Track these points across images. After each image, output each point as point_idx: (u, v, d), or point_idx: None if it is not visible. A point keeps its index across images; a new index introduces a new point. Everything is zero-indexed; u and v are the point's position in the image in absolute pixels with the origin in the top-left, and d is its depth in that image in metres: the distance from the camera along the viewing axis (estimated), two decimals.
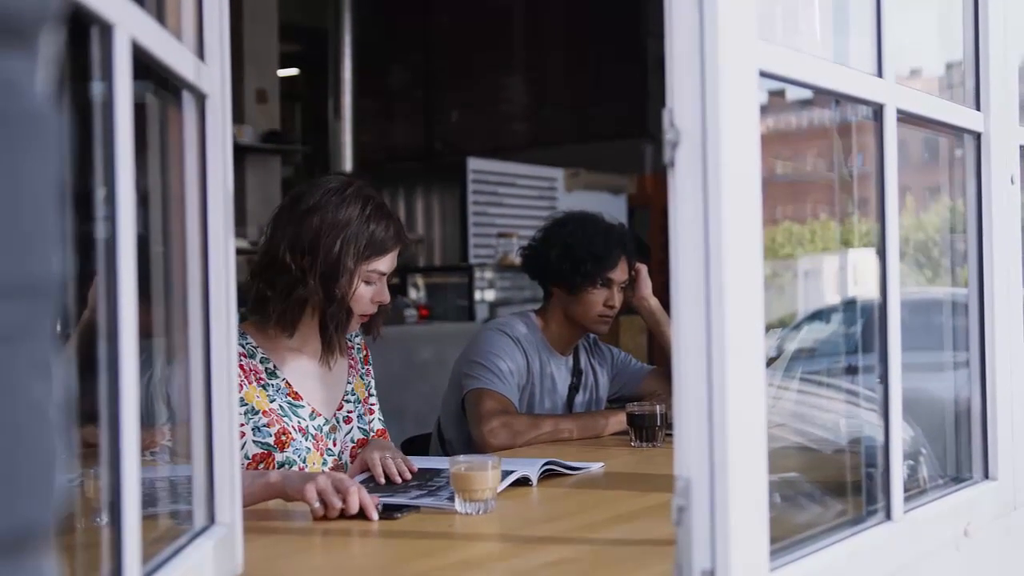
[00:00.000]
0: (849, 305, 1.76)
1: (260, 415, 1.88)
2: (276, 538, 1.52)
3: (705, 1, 0.95)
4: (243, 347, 1.91)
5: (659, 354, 2.84)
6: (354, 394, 2.06)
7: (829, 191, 1.78)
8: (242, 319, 1.98)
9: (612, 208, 6.02)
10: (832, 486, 1.44)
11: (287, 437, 1.89)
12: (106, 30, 0.80)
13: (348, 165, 7.23)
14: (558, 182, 7.10)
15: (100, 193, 0.81)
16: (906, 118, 1.33)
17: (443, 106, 8.89)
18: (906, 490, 1.30)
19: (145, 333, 0.87)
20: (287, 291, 1.88)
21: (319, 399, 1.98)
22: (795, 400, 1.68)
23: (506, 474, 1.73)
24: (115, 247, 0.81)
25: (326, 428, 1.97)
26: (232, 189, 1.17)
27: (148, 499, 0.91)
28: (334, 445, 1.98)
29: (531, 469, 1.81)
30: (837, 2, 1.62)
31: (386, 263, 1.94)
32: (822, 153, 1.75)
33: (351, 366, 2.08)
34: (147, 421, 0.95)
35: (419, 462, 1.91)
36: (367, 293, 1.93)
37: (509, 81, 8.55)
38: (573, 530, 1.52)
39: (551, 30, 8.46)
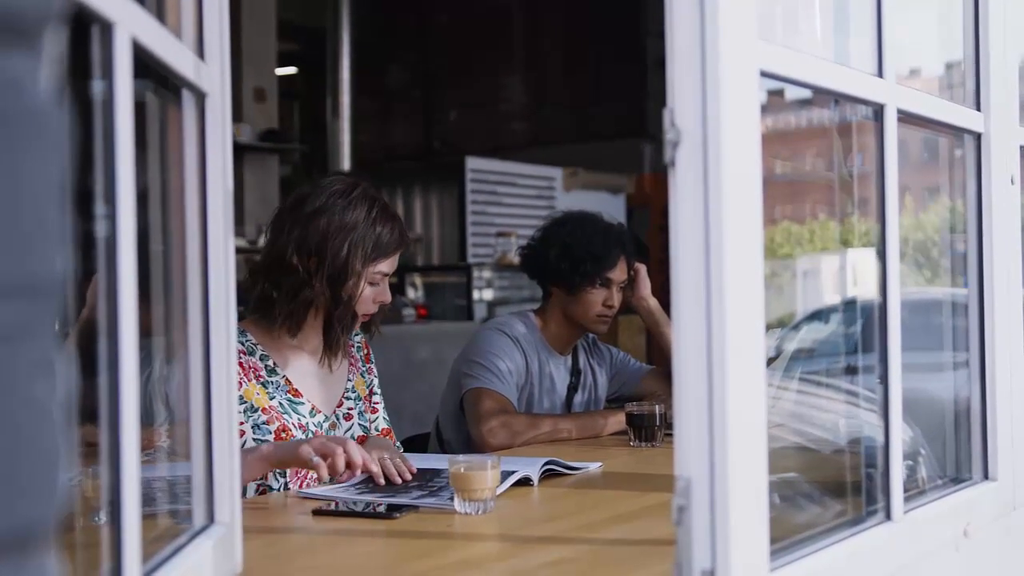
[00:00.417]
0: (848, 305, 1.76)
1: (259, 412, 1.89)
2: (275, 537, 1.52)
3: (706, 1, 0.95)
4: (242, 344, 1.91)
5: (658, 354, 2.84)
6: (354, 391, 2.07)
7: (828, 191, 1.78)
8: (240, 317, 1.98)
9: (611, 208, 6.01)
10: (832, 486, 1.44)
11: (287, 434, 1.89)
12: (107, 29, 0.80)
13: (346, 164, 7.22)
14: (557, 181, 7.10)
15: (100, 192, 0.81)
16: (906, 118, 1.33)
17: (442, 105, 8.89)
18: (906, 490, 1.30)
19: (144, 332, 0.87)
20: (293, 292, 1.89)
21: (319, 396, 1.99)
22: (794, 400, 1.68)
23: (506, 474, 1.73)
24: (115, 245, 0.81)
25: (326, 425, 1.98)
26: (232, 188, 1.17)
27: (147, 498, 0.91)
28: None
29: (531, 469, 1.81)
30: (837, 2, 1.62)
31: (390, 264, 1.96)
32: (821, 153, 1.75)
33: (351, 364, 2.08)
34: (146, 420, 0.95)
35: (418, 461, 1.91)
36: (370, 294, 1.94)
37: (508, 80, 8.55)
38: (572, 530, 1.52)
39: (550, 29, 8.45)
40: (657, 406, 2.26)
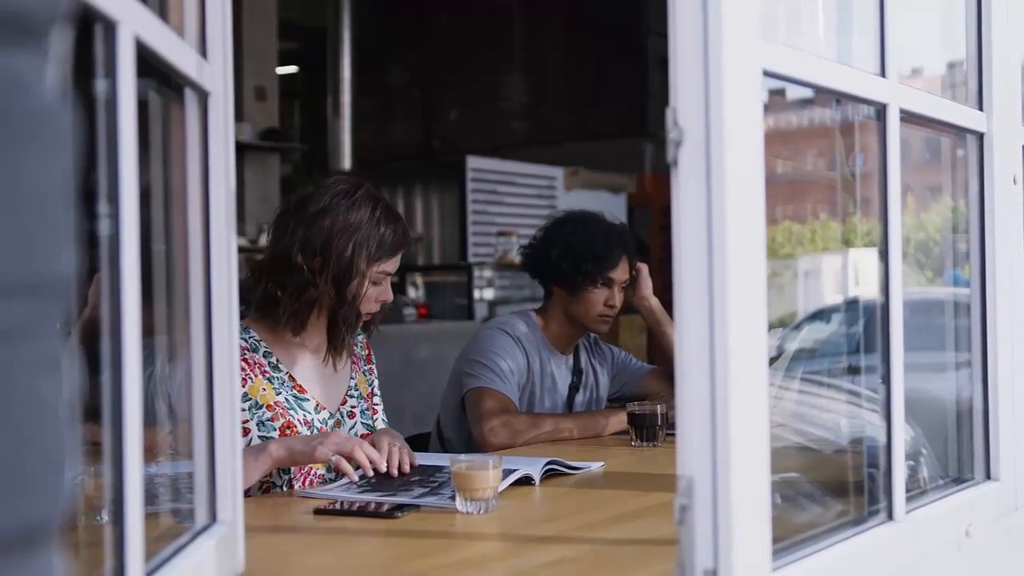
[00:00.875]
0: (850, 305, 1.76)
1: (264, 409, 1.89)
2: (278, 537, 1.52)
3: (709, 1, 0.95)
4: (245, 341, 1.92)
5: (659, 354, 2.84)
6: (357, 390, 2.08)
7: (830, 191, 1.78)
8: (241, 316, 1.98)
9: (612, 207, 6.01)
10: (833, 486, 1.44)
11: (292, 431, 1.90)
12: (110, 28, 0.80)
13: (347, 163, 7.22)
14: (557, 181, 7.09)
15: (103, 191, 0.81)
16: (909, 118, 1.33)
17: (442, 104, 8.88)
18: (907, 490, 1.30)
19: (147, 330, 0.87)
20: (298, 292, 1.90)
21: (323, 394, 2.00)
22: (796, 400, 1.68)
23: (507, 473, 1.73)
24: (118, 244, 0.81)
25: (330, 422, 1.99)
26: (234, 186, 1.17)
27: (149, 497, 0.91)
28: None
29: (533, 468, 1.81)
30: (840, 2, 1.62)
31: (393, 264, 1.97)
32: (823, 153, 1.75)
33: (353, 362, 2.09)
34: (148, 419, 0.95)
35: (420, 459, 1.92)
36: (373, 293, 1.95)
37: (508, 79, 8.55)
38: (574, 529, 1.52)
39: (550, 28, 8.45)
40: (659, 406, 2.26)
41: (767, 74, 1.03)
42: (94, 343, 0.83)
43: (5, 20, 0.43)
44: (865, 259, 1.47)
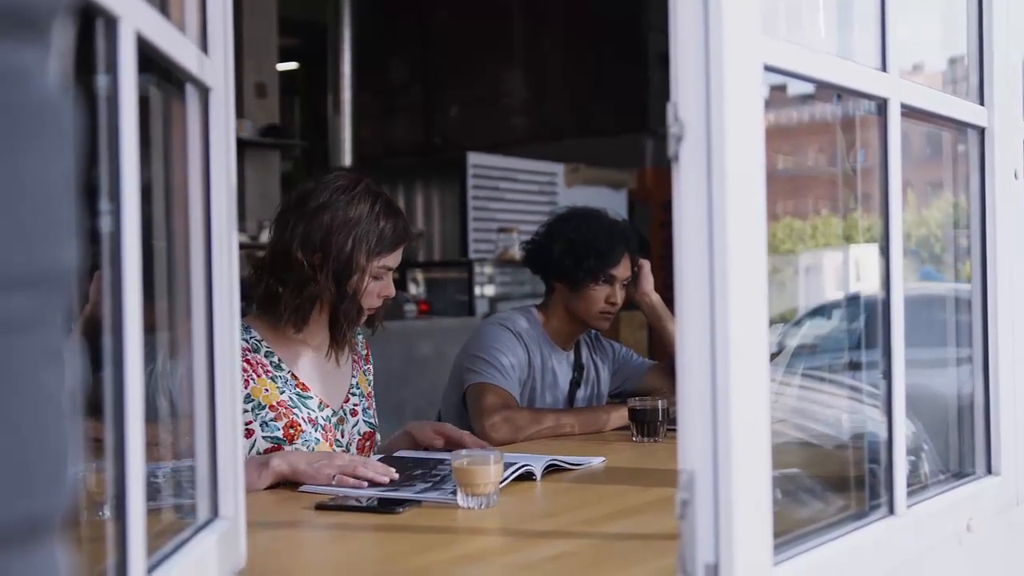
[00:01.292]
0: (851, 301, 1.76)
1: (266, 410, 1.89)
2: (279, 532, 1.52)
3: None
4: (247, 342, 1.92)
5: (660, 349, 2.84)
6: (358, 388, 2.08)
7: (831, 186, 1.78)
8: (243, 314, 1.98)
9: (612, 203, 6.02)
10: (835, 481, 1.45)
11: (296, 429, 1.90)
12: (111, 23, 0.80)
13: (347, 160, 7.23)
14: (558, 177, 7.09)
15: (104, 187, 0.81)
16: (910, 113, 1.33)
17: (443, 101, 8.88)
18: (909, 485, 1.30)
19: (148, 327, 0.87)
20: (299, 287, 1.90)
21: (325, 391, 2.00)
22: (797, 396, 1.69)
23: (508, 467, 1.73)
24: (120, 241, 0.81)
25: (334, 420, 1.99)
26: (235, 182, 1.17)
27: (151, 493, 0.91)
28: (342, 436, 2.00)
29: (535, 465, 1.81)
30: None
31: (394, 259, 1.97)
32: (824, 148, 1.75)
33: (355, 361, 2.09)
34: (149, 416, 0.95)
35: (422, 454, 1.92)
36: (375, 288, 1.95)
37: (509, 76, 8.55)
38: (575, 524, 1.52)
39: (551, 25, 8.45)
40: (659, 401, 2.26)
41: (768, 69, 1.03)
42: (96, 339, 0.83)
43: (7, 13, 0.43)
44: (866, 255, 1.47)
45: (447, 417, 2.56)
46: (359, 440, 2.03)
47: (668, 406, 2.25)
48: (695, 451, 0.96)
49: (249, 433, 1.86)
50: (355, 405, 2.05)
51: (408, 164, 7.92)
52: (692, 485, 0.96)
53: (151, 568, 0.89)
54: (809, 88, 1.31)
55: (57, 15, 0.46)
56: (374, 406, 2.15)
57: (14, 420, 0.45)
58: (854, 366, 1.61)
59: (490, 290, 6.24)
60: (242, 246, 5.76)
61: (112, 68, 0.81)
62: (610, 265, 2.51)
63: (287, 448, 1.87)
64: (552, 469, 1.87)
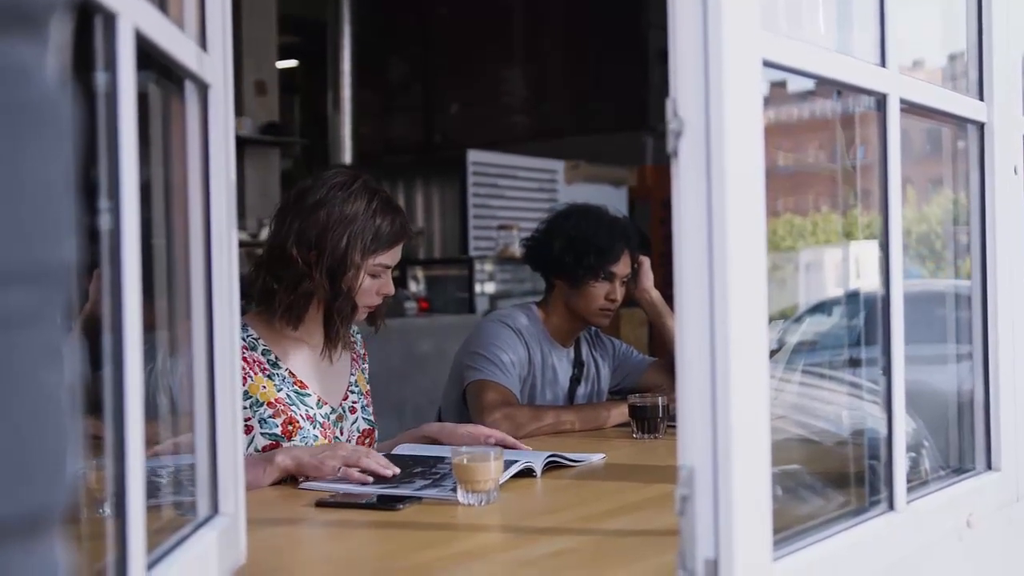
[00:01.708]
0: (851, 297, 1.76)
1: (265, 407, 1.89)
2: (280, 528, 1.52)
3: None
4: (244, 340, 1.92)
5: (660, 346, 2.84)
6: (357, 386, 2.08)
7: (831, 183, 1.78)
8: (243, 311, 1.98)
9: (613, 200, 6.01)
10: (835, 477, 1.44)
11: (294, 426, 1.90)
12: (110, 19, 0.80)
13: (347, 158, 7.22)
14: (558, 174, 7.09)
15: (103, 185, 0.81)
16: (909, 108, 1.33)
17: (443, 99, 8.88)
18: (909, 481, 1.30)
19: (148, 325, 0.87)
20: (294, 284, 1.90)
21: (324, 389, 2.00)
22: (797, 392, 1.68)
23: (508, 465, 1.73)
24: (119, 238, 0.81)
25: (333, 417, 1.99)
26: (235, 180, 1.17)
27: (151, 490, 0.91)
28: (341, 434, 2.00)
29: (535, 461, 1.82)
30: None
31: (391, 256, 1.96)
32: (824, 145, 1.75)
33: (353, 359, 2.09)
34: (150, 413, 0.95)
35: (422, 451, 1.92)
36: (372, 286, 1.95)
37: (509, 73, 8.54)
38: (575, 521, 1.52)
39: (551, 22, 8.44)
40: (660, 398, 2.27)
41: (767, 64, 1.03)
42: (96, 337, 0.83)
43: (6, 8, 0.43)
44: (866, 252, 1.47)
45: (447, 414, 2.56)
46: (358, 438, 2.04)
47: (668, 403, 2.25)
48: (695, 447, 0.96)
49: (248, 430, 1.87)
50: (354, 402, 2.05)
51: (408, 162, 7.92)
52: (692, 481, 0.96)
53: (151, 565, 0.89)
54: (810, 84, 1.31)
55: (55, 12, 0.46)
56: (371, 403, 2.15)
57: (13, 416, 0.45)
58: (854, 362, 1.61)
59: (490, 287, 6.24)
60: (242, 244, 5.76)
61: (111, 65, 0.81)
62: (610, 262, 2.51)
63: (285, 445, 1.87)
64: (552, 465, 1.87)
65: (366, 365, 2.15)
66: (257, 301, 1.98)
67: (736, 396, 0.95)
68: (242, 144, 6.32)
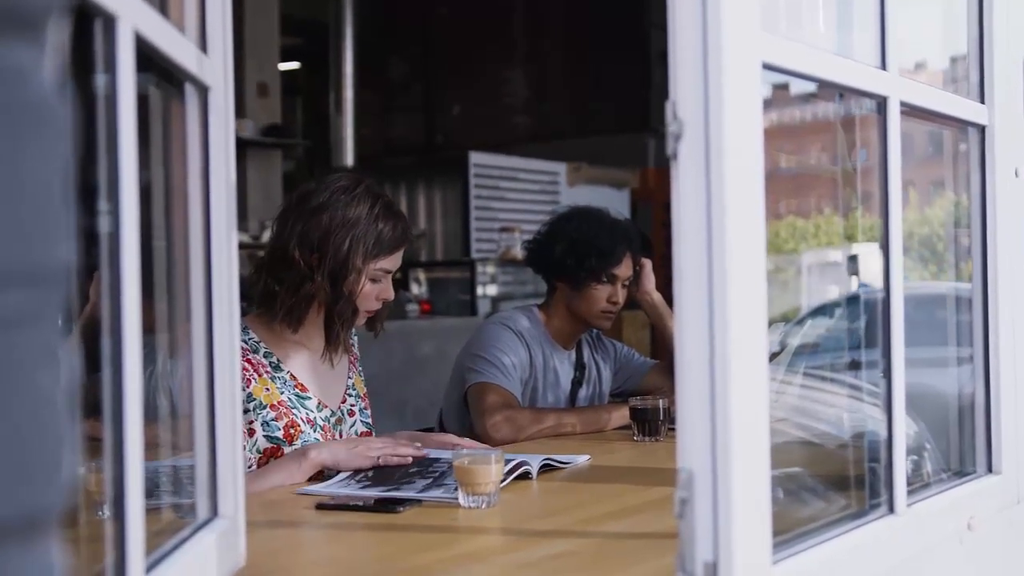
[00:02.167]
0: (853, 300, 1.76)
1: (268, 409, 1.90)
2: (280, 531, 1.52)
3: None
4: (246, 343, 1.92)
5: (662, 348, 2.84)
6: (354, 389, 2.09)
7: (834, 186, 1.78)
8: (244, 313, 1.99)
9: (615, 203, 6.01)
10: (835, 480, 1.44)
11: (296, 430, 1.91)
12: (109, 22, 0.80)
13: (349, 159, 7.23)
14: (560, 176, 7.09)
15: (103, 187, 0.81)
16: (910, 111, 1.33)
17: (444, 100, 8.89)
18: (910, 484, 1.30)
19: (147, 327, 0.87)
20: (295, 286, 1.90)
21: (323, 392, 2.00)
22: (799, 395, 1.68)
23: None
24: (119, 241, 0.81)
25: (332, 420, 2.00)
26: (235, 182, 1.17)
27: (151, 492, 0.91)
28: (340, 437, 2.00)
29: (531, 463, 1.82)
30: None
31: (392, 262, 1.97)
32: (827, 147, 1.75)
33: (351, 362, 2.10)
34: (150, 416, 0.95)
35: (432, 451, 1.93)
36: (373, 291, 1.95)
37: (510, 75, 8.55)
38: (576, 524, 1.52)
39: (552, 23, 8.45)
40: (660, 400, 2.26)
41: (767, 67, 1.03)
42: (96, 339, 0.83)
43: (2, 10, 0.43)
44: (868, 254, 1.47)
45: (448, 416, 2.56)
46: None
47: (669, 405, 2.25)
48: (694, 450, 0.96)
49: (251, 432, 1.87)
50: (352, 405, 2.06)
51: (410, 163, 7.92)
52: (691, 484, 0.96)
53: (150, 567, 0.89)
54: (813, 86, 1.31)
55: (52, 14, 0.46)
56: (369, 406, 2.16)
57: (10, 417, 0.45)
58: (855, 365, 1.61)
59: (492, 290, 6.24)
60: (244, 246, 5.76)
61: (111, 67, 0.81)
62: (612, 264, 2.51)
63: (286, 449, 1.88)
64: (545, 469, 1.88)
65: (360, 367, 2.16)
66: (258, 303, 1.99)
67: (735, 398, 0.95)
68: (244, 146, 6.33)
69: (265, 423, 1.89)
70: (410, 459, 1.81)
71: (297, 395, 1.95)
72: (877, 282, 1.31)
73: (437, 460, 1.84)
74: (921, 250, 1.85)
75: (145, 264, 0.85)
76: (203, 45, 1.11)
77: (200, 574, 1.03)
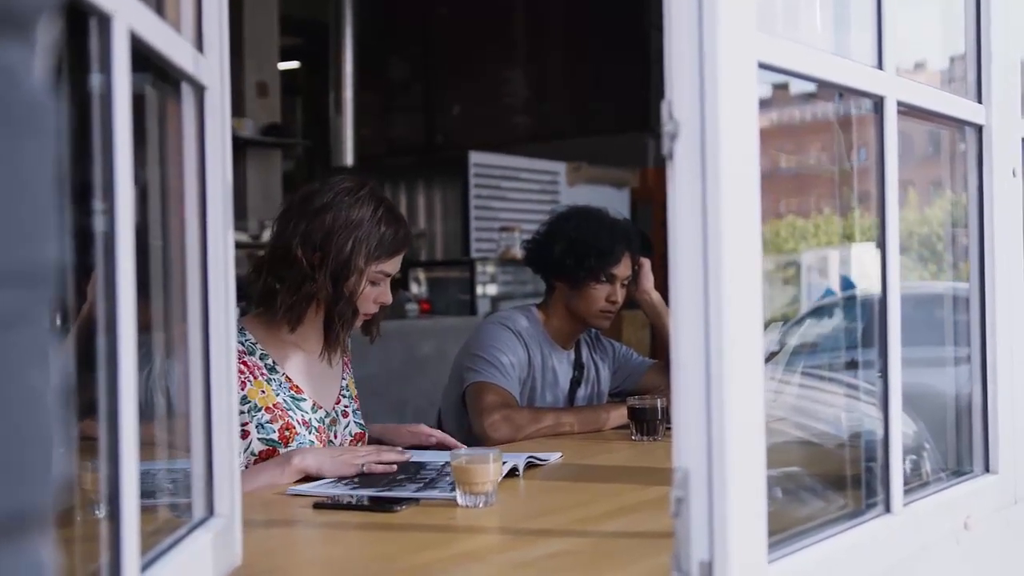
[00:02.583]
0: (850, 300, 1.76)
1: (262, 412, 1.90)
2: (276, 530, 1.52)
3: None
4: (242, 344, 1.93)
5: (661, 348, 2.84)
6: (348, 390, 2.10)
7: (833, 185, 1.78)
8: (241, 313, 1.99)
9: (614, 203, 6.01)
10: (832, 479, 1.44)
11: (291, 432, 1.91)
12: (104, 21, 0.80)
13: (349, 159, 7.23)
14: (560, 176, 7.09)
15: (98, 186, 0.81)
16: (907, 110, 1.33)
17: (444, 100, 8.89)
18: (907, 484, 1.30)
19: (144, 327, 0.87)
20: (296, 285, 1.91)
21: (318, 393, 2.00)
22: (796, 394, 1.68)
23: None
24: (114, 240, 0.81)
25: (327, 421, 2.00)
26: (231, 182, 1.17)
27: (147, 491, 0.91)
28: (335, 438, 2.01)
29: (517, 461, 1.84)
30: None
31: (392, 265, 1.97)
32: (826, 147, 1.75)
33: (345, 363, 2.10)
34: (147, 415, 0.95)
35: (416, 455, 1.93)
36: (371, 293, 1.96)
37: (510, 75, 8.55)
38: (573, 523, 1.52)
39: (552, 23, 8.44)
40: (659, 400, 2.27)
41: (763, 66, 1.03)
42: (93, 339, 0.83)
43: None
44: (866, 254, 1.47)
45: (447, 416, 2.56)
46: (350, 441, 2.04)
47: (667, 405, 2.25)
48: (690, 449, 0.96)
49: (245, 435, 1.87)
50: (346, 407, 2.07)
51: (410, 163, 7.92)
52: (687, 483, 0.96)
53: (145, 566, 0.89)
54: (811, 87, 1.31)
55: (42, 13, 0.46)
56: (360, 407, 2.16)
57: (1, 415, 0.45)
58: (853, 364, 1.61)
59: (492, 289, 6.24)
60: (243, 245, 5.76)
61: (105, 66, 0.81)
62: (611, 264, 2.51)
63: (281, 451, 1.88)
64: (530, 466, 1.89)
65: (351, 370, 2.16)
66: (257, 302, 1.99)
67: (731, 398, 0.95)
68: (244, 145, 6.33)
69: (260, 426, 1.89)
70: (395, 467, 1.81)
71: (292, 397, 1.95)
72: (875, 282, 1.31)
73: (424, 466, 1.84)
74: (921, 250, 1.85)
75: (142, 264, 0.85)
76: (199, 44, 1.11)
77: (196, 573, 1.03)
